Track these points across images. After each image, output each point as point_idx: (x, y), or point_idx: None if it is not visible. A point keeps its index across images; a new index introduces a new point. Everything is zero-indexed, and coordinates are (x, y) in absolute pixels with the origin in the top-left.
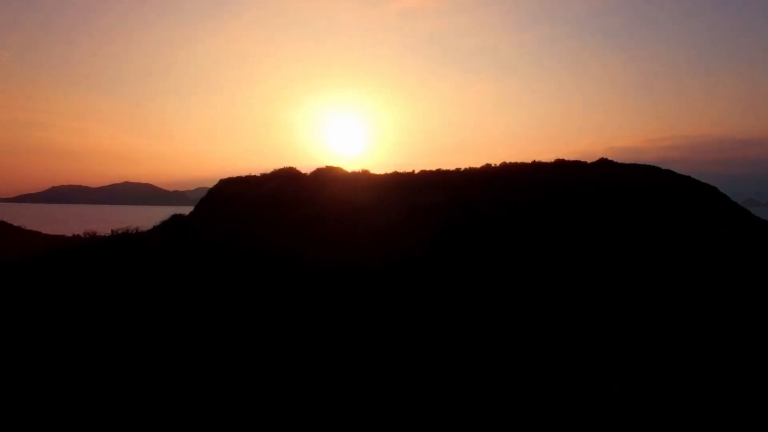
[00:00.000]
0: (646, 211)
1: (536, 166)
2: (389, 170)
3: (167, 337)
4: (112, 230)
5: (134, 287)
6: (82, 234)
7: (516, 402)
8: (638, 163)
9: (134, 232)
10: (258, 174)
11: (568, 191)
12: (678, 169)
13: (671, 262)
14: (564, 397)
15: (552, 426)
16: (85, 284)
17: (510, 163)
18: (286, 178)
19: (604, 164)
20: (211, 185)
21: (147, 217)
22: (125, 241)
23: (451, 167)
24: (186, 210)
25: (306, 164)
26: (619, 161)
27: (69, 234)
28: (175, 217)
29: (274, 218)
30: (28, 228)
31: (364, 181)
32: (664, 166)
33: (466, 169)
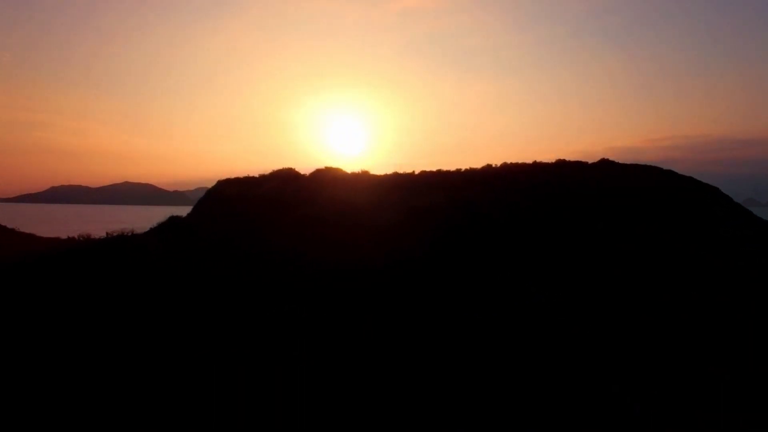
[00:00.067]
0: (646, 212)
1: (537, 167)
2: (389, 171)
3: (167, 337)
4: (107, 232)
5: (132, 288)
6: (76, 236)
7: (516, 402)
8: (639, 163)
9: (129, 234)
10: (257, 175)
11: (569, 192)
12: (678, 169)
13: (671, 262)
14: (564, 397)
15: (552, 426)
16: (80, 286)
17: (511, 163)
18: (286, 178)
19: (605, 164)
20: (211, 185)
21: (147, 218)
22: (121, 242)
23: (452, 168)
24: (186, 210)
25: (306, 165)
26: (619, 161)
27: (64, 236)
28: (173, 219)
29: (273, 218)
30: (23, 230)
31: (364, 181)
32: (664, 166)
33: (466, 170)
